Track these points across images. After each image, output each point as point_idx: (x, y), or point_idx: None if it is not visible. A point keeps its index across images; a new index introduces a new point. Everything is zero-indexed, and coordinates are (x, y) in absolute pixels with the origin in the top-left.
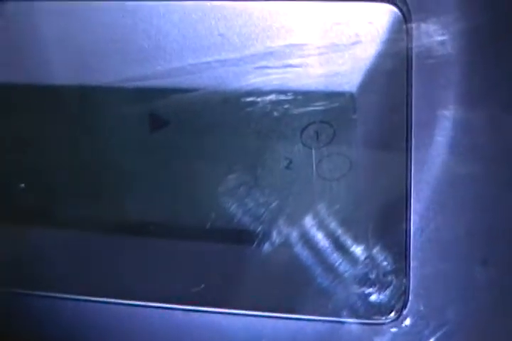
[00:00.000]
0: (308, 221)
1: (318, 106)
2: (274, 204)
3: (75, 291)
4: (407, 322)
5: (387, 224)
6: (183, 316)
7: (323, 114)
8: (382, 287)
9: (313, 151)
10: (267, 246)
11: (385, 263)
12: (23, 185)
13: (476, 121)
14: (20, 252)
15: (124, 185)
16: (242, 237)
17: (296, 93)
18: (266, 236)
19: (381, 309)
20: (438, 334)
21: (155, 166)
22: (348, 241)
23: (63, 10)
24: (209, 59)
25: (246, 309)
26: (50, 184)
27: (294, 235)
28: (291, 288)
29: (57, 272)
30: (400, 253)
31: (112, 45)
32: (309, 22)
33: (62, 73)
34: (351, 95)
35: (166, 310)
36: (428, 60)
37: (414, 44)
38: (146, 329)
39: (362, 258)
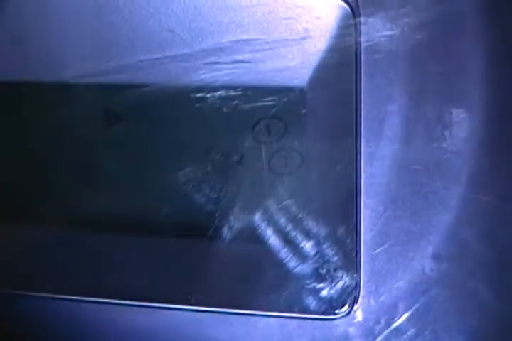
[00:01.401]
0: (259, 216)
1: (268, 101)
2: (225, 199)
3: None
4: (359, 317)
5: (338, 219)
6: (135, 313)
7: (273, 109)
8: (332, 282)
9: (264, 146)
10: (218, 242)
11: (335, 258)
12: None
13: (425, 115)
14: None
15: (80, 180)
16: (193, 232)
17: (245, 88)
18: (217, 231)
19: (332, 304)
20: (389, 329)
21: (109, 162)
22: (299, 236)
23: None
24: (159, 55)
25: (198, 305)
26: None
27: (245, 230)
28: (242, 283)
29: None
30: (351, 249)
31: (64, 42)
32: (258, 17)
33: (15, 69)
34: (301, 90)
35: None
36: (377, 55)
37: (362, 39)
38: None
39: (312, 253)
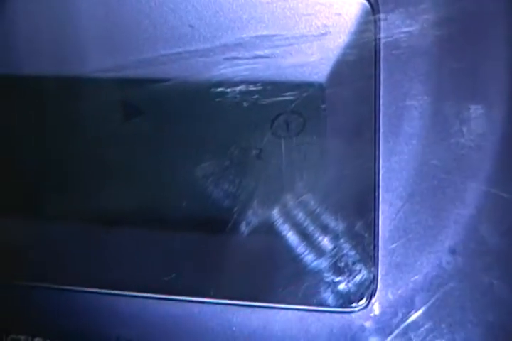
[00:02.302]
0: (278, 210)
1: (287, 96)
2: (244, 194)
3: (52, 281)
4: (376, 310)
5: (356, 213)
6: (156, 305)
7: (292, 104)
8: (350, 276)
9: (283, 141)
10: (237, 236)
11: (353, 252)
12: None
13: (443, 111)
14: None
15: (98, 175)
16: (212, 226)
17: (265, 83)
18: (236, 225)
19: (350, 297)
20: (406, 322)
21: (128, 156)
22: (317, 230)
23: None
24: (179, 50)
25: (216, 297)
26: (27, 175)
27: (264, 224)
28: (261, 276)
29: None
30: (369, 242)
31: (85, 36)
32: (278, 13)
33: (36, 64)
34: (320, 85)
35: (140, 299)
36: (396, 51)
37: (382, 35)
38: (120, 317)
39: (331, 247)
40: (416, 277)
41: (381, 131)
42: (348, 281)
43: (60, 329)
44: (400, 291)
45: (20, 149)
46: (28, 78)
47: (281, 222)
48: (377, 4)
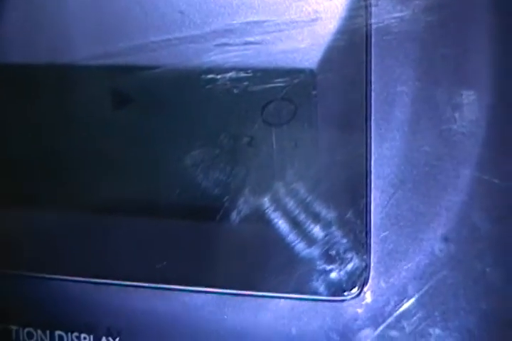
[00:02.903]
0: (269, 198)
1: (278, 83)
2: (235, 181)
3: (42, 270)
4: (368, 298)
5: (348, 201)
6: (146, 294)
7: (283, 91)
8: (342, 264)
9: (274, 128)
10: (227, 224)
11: (345, 239)
12: None
13: (435, 97)
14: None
15: (87, 163)
16: (203, 214)
17: (255, 70)
18: (227, 212)
19: (342, 286)
20: (399, 310)
21: (118, 144)
22: (309, 218)
23: None
24: (169, 36)
25: (207, 286)
26: (21, 165)
27: (255, 212)
28: (252, 265)
29: (25, 251)
30: (361, 230)
31: (75, 23)
32: None
33: (25, 52)
34: (311, 71)
35: (130, 288)
36: (387, 37)
37: (373, 20)
38: (111, 307)
39: (322, 235)
40: (408, 265)
41: (372, 117)
42: (340, 269)
43: (51, 319)
44: (392, 279)
45: (10, 138)
46: (16, 66)
47: (272, 210)
48: None
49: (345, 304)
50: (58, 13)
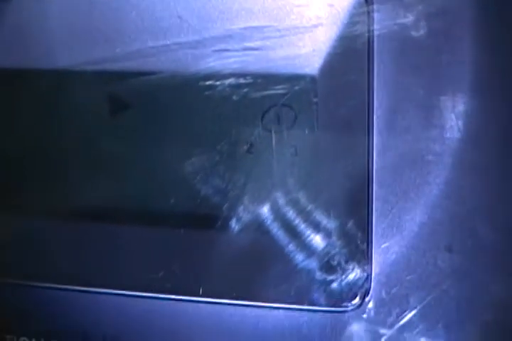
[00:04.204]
0: (269, 206)
1: (278, 89)
2: (235, 188)
3: (37, 278)
4: (370, 310)
5: (349, 210)
6: (143, 303)
7: (284, 97)
8: (343, 274)
9: (274, 135)
10: (227, 232)
11: (346, 250)
12: None
13: (438, 104)
14: None
15: (84, 169)
16: (202, 222)
17: (255, 76)
18: (226, 221)
19: (343, 296)
20: (401, 322)
21: (116, 151)
22: (309, 228)
23: None
24: (168, 42)
25: (206, 296)
26: (14, 169)
27: (255, 221)
28: (252, 275)
29: (19, 259)
30: (362, 240)
31: (71, 28)
32: (269, 4)
33: (22, 56)
34: (312, 78)
35: (127, 298)
36: (390, 43)
37: (375, 26)
38: (107, 316)
39: (323, 245)
40: (410, 276)
41: (374, 124)
42: (341, 280)
43: (46, 328)
44: (394, 290)
45: (6, 142)
46: (13, 71)
47: (272, 218)
48: None
49: (345, 315)
50: (55, 17)
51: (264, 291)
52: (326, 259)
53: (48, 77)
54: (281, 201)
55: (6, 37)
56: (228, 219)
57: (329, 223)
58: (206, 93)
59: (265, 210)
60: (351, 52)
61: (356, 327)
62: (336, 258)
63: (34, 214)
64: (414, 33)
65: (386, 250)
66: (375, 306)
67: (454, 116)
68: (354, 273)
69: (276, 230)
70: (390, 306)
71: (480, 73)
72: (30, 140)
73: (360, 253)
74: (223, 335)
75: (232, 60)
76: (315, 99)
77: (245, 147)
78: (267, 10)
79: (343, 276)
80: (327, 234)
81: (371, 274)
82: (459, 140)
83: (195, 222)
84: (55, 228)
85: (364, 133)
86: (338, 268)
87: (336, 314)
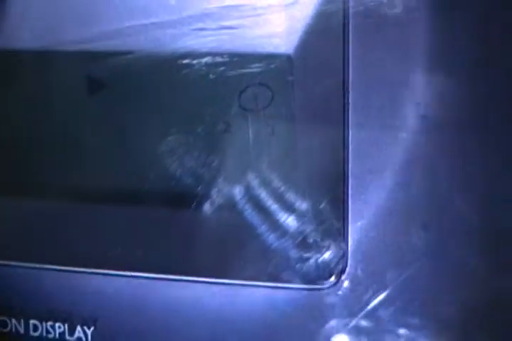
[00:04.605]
0: (245, 184)
1: (254, 68)
2: (211, 167)
3: (12, 258)
4: (346, 287)
5: (325, 189)
6: (122, 282)
7: (260, 77)
8: (319, 252)
9: (251, 114)
10: (204, 209)
11: (321, 228)
12: None
13: (413, 82)
14: None
15: (62, 150)
16: (178, 202)
17: (232, 55)
18: (203, 199)
19: (319, 274)
20: (377, 299)
21: (93, 130)
22: (285, 206)
23: None
24: (145, 21)
25: (183, 274)
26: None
27: (231, 198)
28: (227, 253)
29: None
30: (338, 217)
31: (48, 8)
32: None
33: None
34: (288, 57)
35: (105, 276)
36: (365, 21)
37: (351, 4)
38: (85, 295)
39: (299, 223)
40: (386, 253)
41: (350, 103)
42: (317, 258)
43: (25, 308)
44: (369, 268)
45: None
46: None
47: (248, 197)
48: None
49: (322, 293)
50: None
51: (240, 270)
52: (301, 237)
53: (26, 58)
54: (258, 180)
55: None
56: (204, 198)
57: (305, 201)
58: (183, 72)
59: (241, 190)
60: (327, 31)
61: (332, 305)
62: (312, 236)
63: (17, 196)
64: (389, 11)
65: (362, 228)
66: (351, 284)
67: (429, 93)
68: (330, 251)
69: (252, 209)
70: (366, 284)
71: (454, 50)
72: (9, 121)
73: (336, 231)
74: (199, 314)
75: (209, 38)
76: (291, 78)
77: (222, 126)
78: None
79: (319, 254)
80: (303, 212)
81: (347, 252)
82: (433, 117)
83: (171, 201)
84: (32, 208)
85: (340, 111)
86: (314, 246)
87: (312, 291)
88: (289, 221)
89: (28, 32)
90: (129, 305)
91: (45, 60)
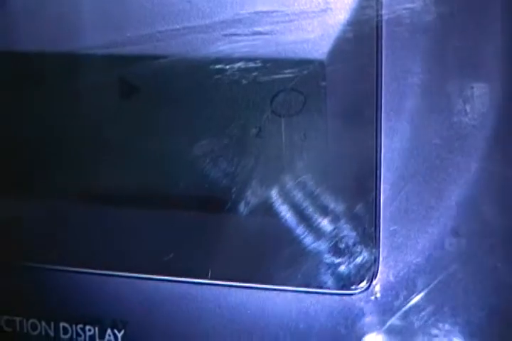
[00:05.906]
0: (277, 190)
1: (287, 73)
2: (243, 173)
3: (44, 261)
4: (377, 292)
5: (357, 194)
6: (153, 286)
7: (292, 82)
8: (351, 257)
9: (283, 119)
10: (235, 215)
11: (354, 233)
12: None
13: (446, 89)
14: None
15: (95, 153)
16: (210, 206)
17: (264, 60)
18: (235, 204)
19: (350, 279)
20: (408, 305)
21: (126, 134)
22: (318, 211)
23: None
24: (178, 26)
25: (215, 279)
26: (22, 153)
27: (263, 204)
28: (259, 257)
29: (29, 242)
30: (370, 223)
31: (82, 12)
32: None
33: (33, 40)
34: (321, 62)
35: (136, 280)
36: (398, 28)
37: (384, 11)
38: (116, 299)
39: (331, 228)
40: (418, 259)
41: (383, 109)
42: (349, 263)
43: (56, 310)
44: (401, 273)
45: (17, 128)
46: (24, 54)
47: (280, 202)
48: None
49: (353, 298)
50: (67, 2)
51: (272, 274)
52: (334, 242)
53: (59, 61)
54: (290, 185)
55: (17, 20)
56: (237, 202)
57: (337, 206)
58: (216, 77)
59: (274, 194)
60: (360, 37)
61: (363, 310)
62: (344, 241)
63: (45, 198)
64: (422, 18)
65: (393, 233)
66: (383, 289)
67: (462, 100)
68: (362, 256)
69: (284, 213)
70: (397, 289)
71: (488, 58)
72: (40, 123)
73: (368, 236)
74: (231, 318)
75: (242, 44)
76: (323, 84)
77: (254, 131)
78: None
79: (351, 259)
80: (335, 217)
81: (379, 257)
82: (465, 124)
83: (205, 205)
84: (64, 211)
85: (372, 117)
86: (346, 251)
87: (344, 296)
88: (322, 226)
89: (63, 35)
90: (159, 309)
91: (78, 63)
